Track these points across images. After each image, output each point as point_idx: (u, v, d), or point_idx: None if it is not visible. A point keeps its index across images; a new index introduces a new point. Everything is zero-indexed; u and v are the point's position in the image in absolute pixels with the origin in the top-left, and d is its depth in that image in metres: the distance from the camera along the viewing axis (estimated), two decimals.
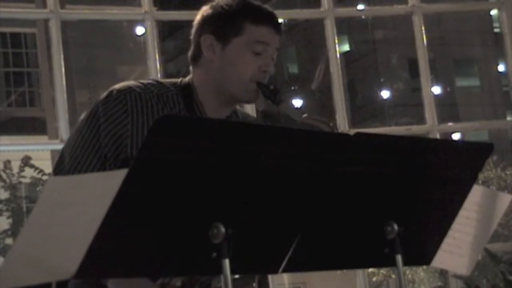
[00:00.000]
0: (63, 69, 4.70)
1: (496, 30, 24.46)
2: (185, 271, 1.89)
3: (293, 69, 28.01)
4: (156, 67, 4.75)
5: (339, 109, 5.14)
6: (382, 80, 25.78)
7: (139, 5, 5.06)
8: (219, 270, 1.73)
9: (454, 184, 2.10)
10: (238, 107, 2.53)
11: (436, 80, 21.38)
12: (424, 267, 13.51)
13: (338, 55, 5.21)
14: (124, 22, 11.93)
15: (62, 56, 4.71)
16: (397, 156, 1.96)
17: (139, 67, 13.01)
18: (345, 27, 23.73)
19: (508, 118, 18.88)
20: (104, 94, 2.32)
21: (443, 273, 12.59)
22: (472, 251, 2.33)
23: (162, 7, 5.61)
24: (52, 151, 7.77)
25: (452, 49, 25.98)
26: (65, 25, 5.13)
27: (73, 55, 14.05)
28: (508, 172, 16.90)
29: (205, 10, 2.41)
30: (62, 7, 5.14)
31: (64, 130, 4.64)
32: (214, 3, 2.41)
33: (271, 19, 2.38)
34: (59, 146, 3.80)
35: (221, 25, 2.35)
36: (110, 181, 1.60)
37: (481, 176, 14.34)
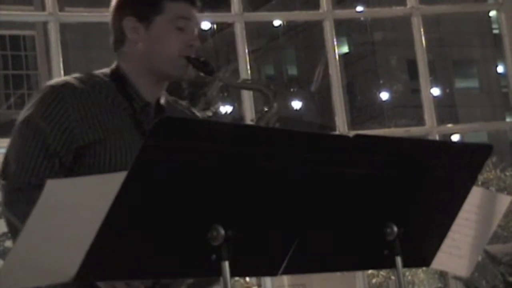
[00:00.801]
0: (62, 71, 4.70)
1: (495, 31, 24.49)
2: (184, 274, 1.89)
3: (292, 70, 28.03)
4: None
5: (338, 110, 5.14)
6: (381, 81, 25.80)
7: None
8: (219, 272, 1.73)
9: (453, 185, 2.10)
10: (184, 103, 2.56)
11: (435, 82, 21.40)
12: (424, 268, 13.50)
13: (337, 56, 5.21)
14: None
15: (61, 58, 4.71)
16: (396, 157, 1.96)
17: None
18: (344, 28, 23.75)
19: (507, 120, 18.88)
20: (39, 92, 2.36)
21: (442, 275, 12.59)
22: (472, 253, 2.33)
23: None
24: None
25: (451, 50, 26.01)
26: (64, 28, 5.14)
27: (72, 57, 14.07)
28: (507, 173, 16.91)
29: None
30: (61, 9, 5.14)
31: None
32: None
33: None
34: None
35: (141, 6, 2.39)
36: (110, 183, 1.60)
37: (480, 178, 14.34)
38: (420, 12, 5.39)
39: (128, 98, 2.36)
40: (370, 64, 25.93)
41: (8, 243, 12.68)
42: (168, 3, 2.39)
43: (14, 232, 2.21)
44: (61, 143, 2.28)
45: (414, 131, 5.83)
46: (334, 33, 5.19)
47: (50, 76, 5.18)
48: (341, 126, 5.09)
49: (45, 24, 4.99)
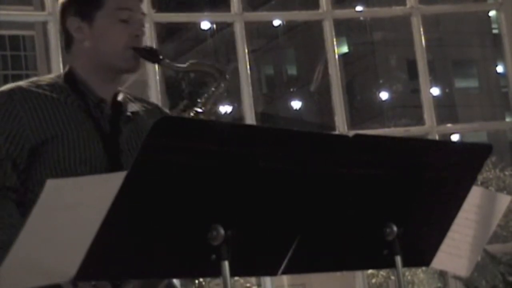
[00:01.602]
0: (61, 71, 4.69)
1: (495, 31, 24.51)
2: (184, 273, 1.89)
3: (292, 70, 28.04)
4: (155, 69, 4.75)
5: (338, 110, 5.13)
6: (380, 81, 25.82)
7: None
8: (219, 272, 1.73)
9: (453, 185, 2.10)
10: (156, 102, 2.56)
11: (435, 81, 21.41)
12: (424, 268, 13.50)
13: (336, 56, 5.21)
14: None
15: (60, 59, 4.71)
16: (396, 157, 1.96)
17: None
18: (344, 28, 23.76)
19: (507, 119, 18.85)
20: None
21: (442, 274, 12.59)
22: (472, 252, 2.33)
23: (161, 9, 5.61)
24: None
25: (450, 50, 26.03)
26: None
27: None
28: (507, 173, 16.92)
29: None
30: None
31: None
32: None
33: None
34: None
35: (82, 5, 2.41)
36: (109, 183, 1.60)
37: (480, 177, 14.33)
38: (420, 12, 5.39)
39: (81, 96, 2.37)
40: (370, 63, 25.95)
41: None
42: None
43: None
44: (13, 145, 2.28)
45: (414, 131, 5.82)
46: (333, 33, 5.19)
47: None
48: (341, 126, 5.09)
49: (44, 24, 4.98)
